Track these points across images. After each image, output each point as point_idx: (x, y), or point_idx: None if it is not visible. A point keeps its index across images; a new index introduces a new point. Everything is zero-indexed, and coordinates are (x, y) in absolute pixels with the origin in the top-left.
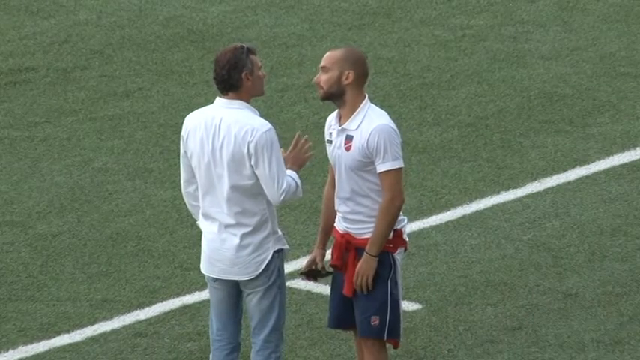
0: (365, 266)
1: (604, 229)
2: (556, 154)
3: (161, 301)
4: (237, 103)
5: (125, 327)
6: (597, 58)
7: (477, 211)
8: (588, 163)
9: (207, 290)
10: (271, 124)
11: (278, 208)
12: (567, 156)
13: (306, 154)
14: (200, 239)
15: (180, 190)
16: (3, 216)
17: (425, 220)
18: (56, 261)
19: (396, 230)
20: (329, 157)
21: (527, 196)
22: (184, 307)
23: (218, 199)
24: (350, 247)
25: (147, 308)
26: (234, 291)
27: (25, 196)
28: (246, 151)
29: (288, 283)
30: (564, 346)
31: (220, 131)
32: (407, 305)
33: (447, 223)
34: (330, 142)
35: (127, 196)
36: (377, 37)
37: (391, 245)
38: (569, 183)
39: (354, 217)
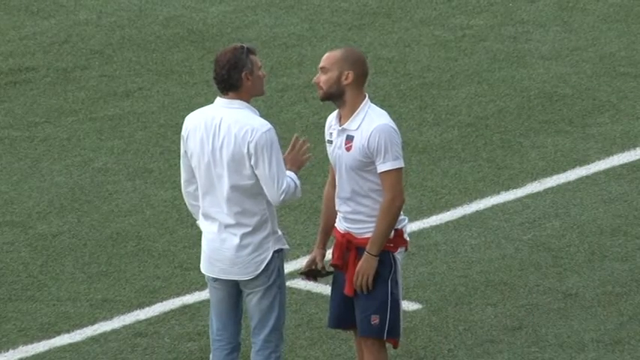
0: (365, 266)
1: (604, 229)
2: (556, 154)
3: (161, 301)
4: (238, 103)
5: (125, 327)
6: (597, 58)
7: (476, 211)
8: (588, 163)
9: (207, 290)
10: (271, 124)
11: (278, 208)
12: (567, 156)
13: (304, 155)
14: (200, 239)
15: (180, 190)
16: (3, 216)
17: (425, 220)
18: (56, 261)
19: (396, 230)
20: (329, 157)
21: (527, 196)
22: (184, 307)
23: (218, 199)
24: (351, 247)
25: (147, 308)
26: (234, 291)
27: (25, 196)
28: (246, 150)
29: (288, 283)
30: (564, 346)
31: (220, 131)
32: (407, 305)
33: (447, 223)
34: (331, 142)
35: (127, 196)
36: (377, 37)
37: (392, 245)
38: (569, 183)
39: (354, 217)
